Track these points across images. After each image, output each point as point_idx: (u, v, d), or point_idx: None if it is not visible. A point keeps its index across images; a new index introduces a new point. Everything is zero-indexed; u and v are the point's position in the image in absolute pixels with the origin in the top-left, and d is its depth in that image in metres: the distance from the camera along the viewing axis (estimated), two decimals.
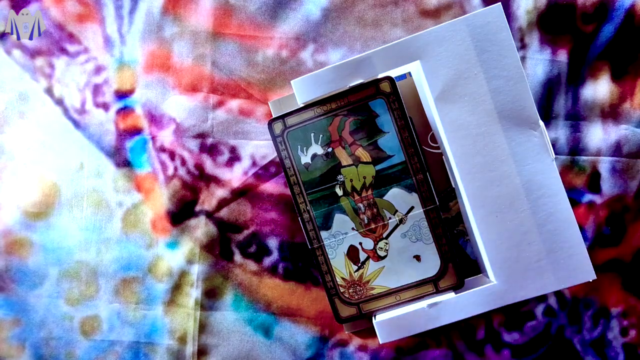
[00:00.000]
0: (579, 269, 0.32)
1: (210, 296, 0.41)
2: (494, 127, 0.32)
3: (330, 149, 0.35)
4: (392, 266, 0.35)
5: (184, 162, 0.41)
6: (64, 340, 0.42)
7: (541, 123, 0.32)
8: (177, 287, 0.41)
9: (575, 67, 0.39)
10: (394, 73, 0.35)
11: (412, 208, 0.35)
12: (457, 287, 0.35)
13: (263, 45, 0.41)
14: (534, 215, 0.32)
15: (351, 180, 0.35)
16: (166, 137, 0.41)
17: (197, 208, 0.41)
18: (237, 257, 0.41)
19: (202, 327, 0.41)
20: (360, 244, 0.35)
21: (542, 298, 0.40)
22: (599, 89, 0.39)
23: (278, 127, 0.35)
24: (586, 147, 0.40)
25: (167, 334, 0.41)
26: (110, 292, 0.41)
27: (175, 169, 0.41)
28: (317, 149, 0.35)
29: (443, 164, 0.36)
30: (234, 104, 0.41)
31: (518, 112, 0.32)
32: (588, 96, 0.40)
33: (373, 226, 0.35)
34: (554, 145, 0.40)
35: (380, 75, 0.34)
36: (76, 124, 0.42)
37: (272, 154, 0.41)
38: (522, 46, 0.40)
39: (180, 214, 0.41)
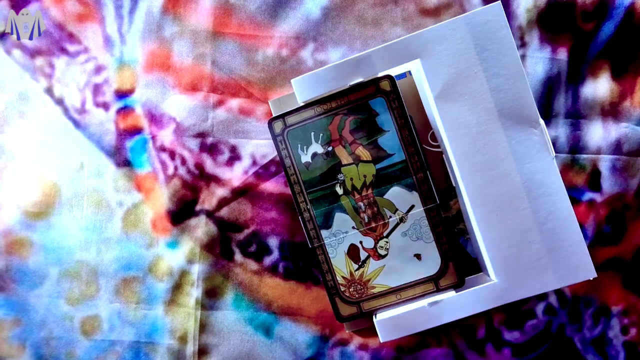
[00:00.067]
0: (580, 267, 0.32)
1: (211, 296, 0.41)
2: (494, 125, 0.32)
3: (330, 148, 0.35)
4: (393, 265, 0.35)
5: (184, 162, 0.41)
6: (65, 340, 0.42)
7: (541, 121, 0.32)
8: (177, 287, 0.41)
9: (575, 66, 0.39)
10: (394, 72, 0.35)
11: (412, 207, 0.35)
12: (458, 285, 0.35)
13: (263, 45, 0.41)
14: (534, 213, 0.32)
15: (351, 179, 0.35)
16: (166, 136, 0.41)
17: (198, 207, 0.41)
18: (238, 257, 0.41)
19: (203, 327, 0.41)
20: (361, 242, 0.35)
21: (543, 296, 0.40)
22: (599, 87, 0.39)
23: (278, 126, 0.35)
24: (586, 146, 0.40)
25: (168, 333, 0.41)
26: (111, 292, 0.41)
27: (176, 168, 0.41)
28: (317, 147, 0.35)
29: (443, 162, 0.36)
30: (234, 103, 0.41)
31: (518, 111, 0.32)
32: (588, 94, 0.40)
33: (373, 225, 0.35)
34: (554, 144, 0.40)
35: (380, 74, 0.34)
36: (76, 124, 0.42)
37: (272, 153, 0.41)
38: (522, 44, 0.39)
39: (180, 213, 0.41)
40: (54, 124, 0.42)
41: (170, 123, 0.41)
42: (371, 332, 0.40)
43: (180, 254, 0.41)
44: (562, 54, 0.39)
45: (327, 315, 0.41)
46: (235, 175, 0.41)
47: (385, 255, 0.35)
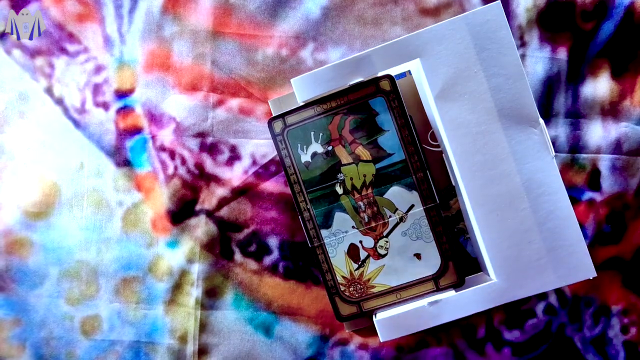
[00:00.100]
0: (580, 266, 0.32)
1: (211, 295, 0.41)
2: (494, 125, 0.32)
3: (330, 148, 0.35)
4: (393, 264, 0.35)
5: (184, 161, 0.41)
6: (65, 340, 0.42)
7: (541, 121, 0.32)
8: (177, 287, 0.41)
9: (575, 65, 0.39)
10: (393, 71, 0.35)
11: (412, 206, 0.35)
12: (458, 285, 0.35)
13: (263, 44, 0.41)
14: (534, 213, 0.32)
15: (351, 179, 0.35)
16: (166, 136, 0.41)
17: (197, 207, 0.41)
18: (238, 256, 0.41)
19: (203, 327, 0.41)
20: (361, 242, 0.35)
21: (543, 296, 0.40)
22: (599, 86, 0.39)
23: (278, 125, 0.35)
24: (586, 145, 0.40)
25: (168, 333, 0.41)
26: (111, 292, 0.41)
27: (176, 168, 0.41)
28: (317, 147, 0.35)
29: (443, 162, 0.36)
30: (234, 102, 0.41)
31: (518, 110, 0.32)
32: (588, 94, 0.40)
33: (373, 224, 0.35)
34: (554, 143, 0.40)
35: (380, 74, 0.34)
36: (76, 124, 0.42)
37: (272, 153, 0.41)
38: (522, 44, 0.39)
39: (180, 213, 0.41)
40: (54, 123, 0.42)
41: (170, 123, 0.41)
42: (371, 331, 0.40)
43: (180, 253, 0.41)
44: (562, 54, 0.39)
45: (327, 315, 0.41)
46: (235, 175, 0.41)
47: (385, 254, 0.35)
